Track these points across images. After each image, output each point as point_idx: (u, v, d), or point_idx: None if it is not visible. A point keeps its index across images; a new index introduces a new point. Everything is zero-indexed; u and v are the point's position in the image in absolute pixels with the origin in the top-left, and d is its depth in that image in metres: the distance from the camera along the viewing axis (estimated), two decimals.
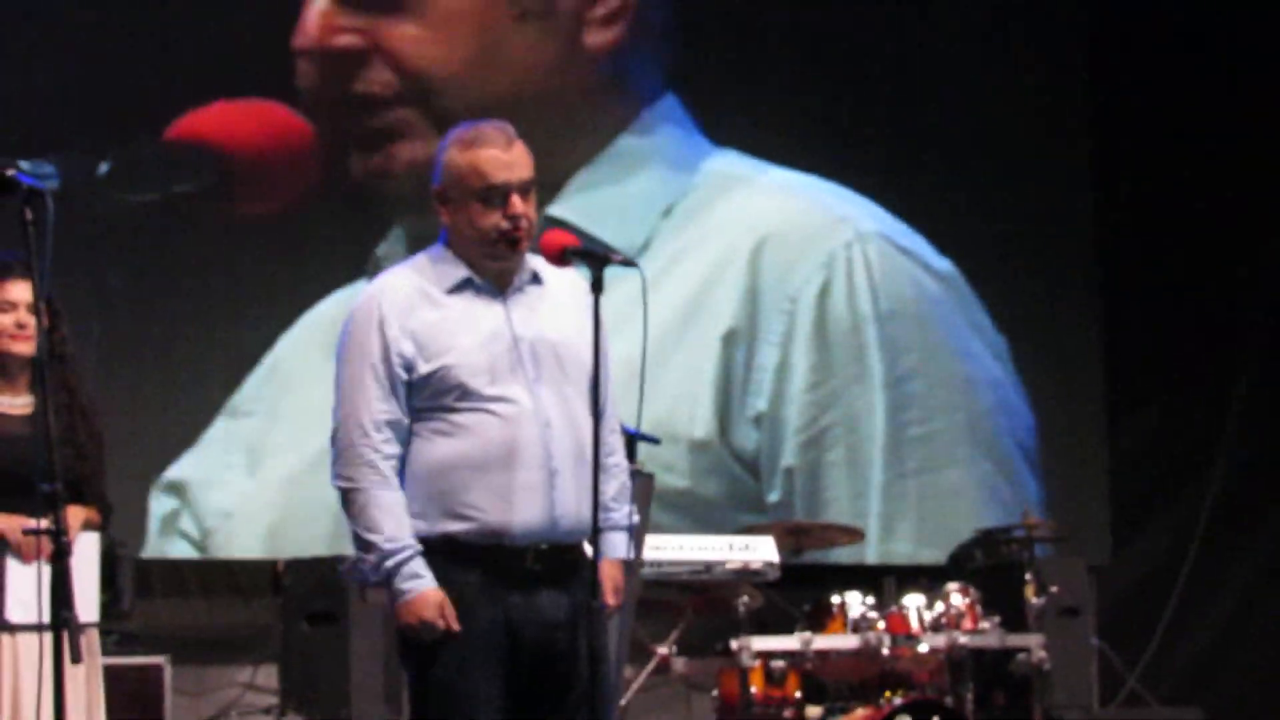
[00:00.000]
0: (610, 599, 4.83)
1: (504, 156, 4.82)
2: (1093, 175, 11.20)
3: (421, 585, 4.71)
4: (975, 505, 10.48)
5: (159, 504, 9.07)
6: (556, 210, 9.43)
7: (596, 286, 4.71)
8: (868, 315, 10.44)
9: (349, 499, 4.78)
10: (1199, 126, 11.01)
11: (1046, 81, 11.17)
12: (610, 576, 4.87)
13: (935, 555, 10.17)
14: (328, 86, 9.59)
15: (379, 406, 4.76)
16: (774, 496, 10.08)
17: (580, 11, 10.12)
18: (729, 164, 10.40)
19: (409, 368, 4.77)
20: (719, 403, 10.08)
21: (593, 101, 10.14)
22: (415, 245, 8.58)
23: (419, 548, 4.73)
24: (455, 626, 4.70)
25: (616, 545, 4.93)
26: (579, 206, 9.69)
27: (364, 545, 4.76)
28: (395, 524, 4.73)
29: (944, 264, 10.69)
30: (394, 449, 4.76)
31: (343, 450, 4.79)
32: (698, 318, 10.07)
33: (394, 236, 9.48)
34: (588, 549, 4.76)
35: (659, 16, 10.32)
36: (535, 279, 4.91)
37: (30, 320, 5.76)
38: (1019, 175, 11.01)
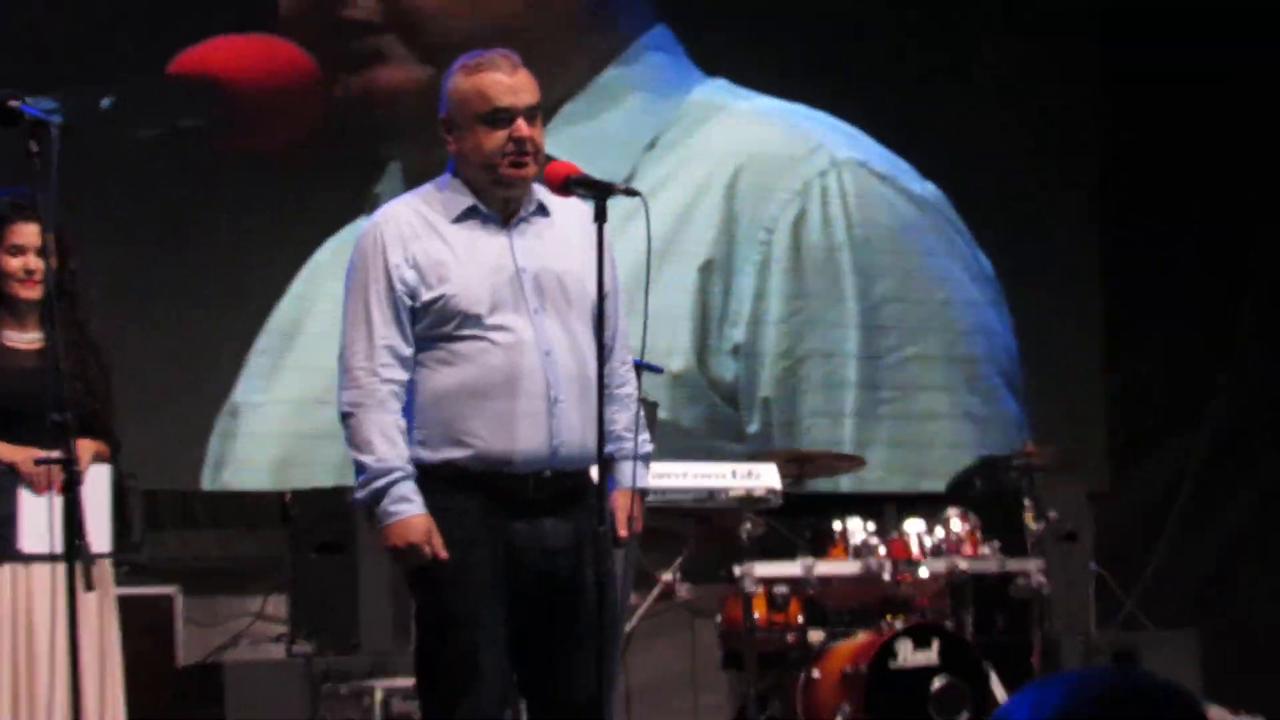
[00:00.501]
0: (622, 530, 4.85)
1: (509, 81, 4.85)
2: (1098, 97, 11.17)
3: (409, 509, 4.72)
4: (950, 428, 10.53)
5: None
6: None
7: (600, 216, 4.72)
8: (842, 243, 10.41)
9: (347, 422, 4.80)
10: (1213, 43, 10.94)
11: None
12: (622, 506, 4.89)
13: (908, 480, 10.30)
14: (313, 10, 9.57)
15: (381, 332, 4.78)
16: (753, 428, 10.10)
17: None
18: (713, 93, 10.33)
19: (412, 295, 4.78)
20: (697, 334, 10.08)
21: (578, 35, 10.09)
22: (413, 182, 8.64)
23: (411, 471, 4.74)
24: (442, 554, 4.71)
25: (628, 474, 4.93)
26: (563, 140, 9.68)
27: (357, 467, 4.78)
28: (388, 446, 4.74)
29: (926, 188, 10.64)
30: (395, 374, 4.78)
31: (344, 375, 4.82)
32: (676, 249, 10.02)
33: (390, 172, 9.47)
34: (594, 475, 4.79)
35: None
36: (541, 210, 4.93)
37: (39, 264, 5.77)
38: (1017, 99, 10.96)
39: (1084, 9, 11.27)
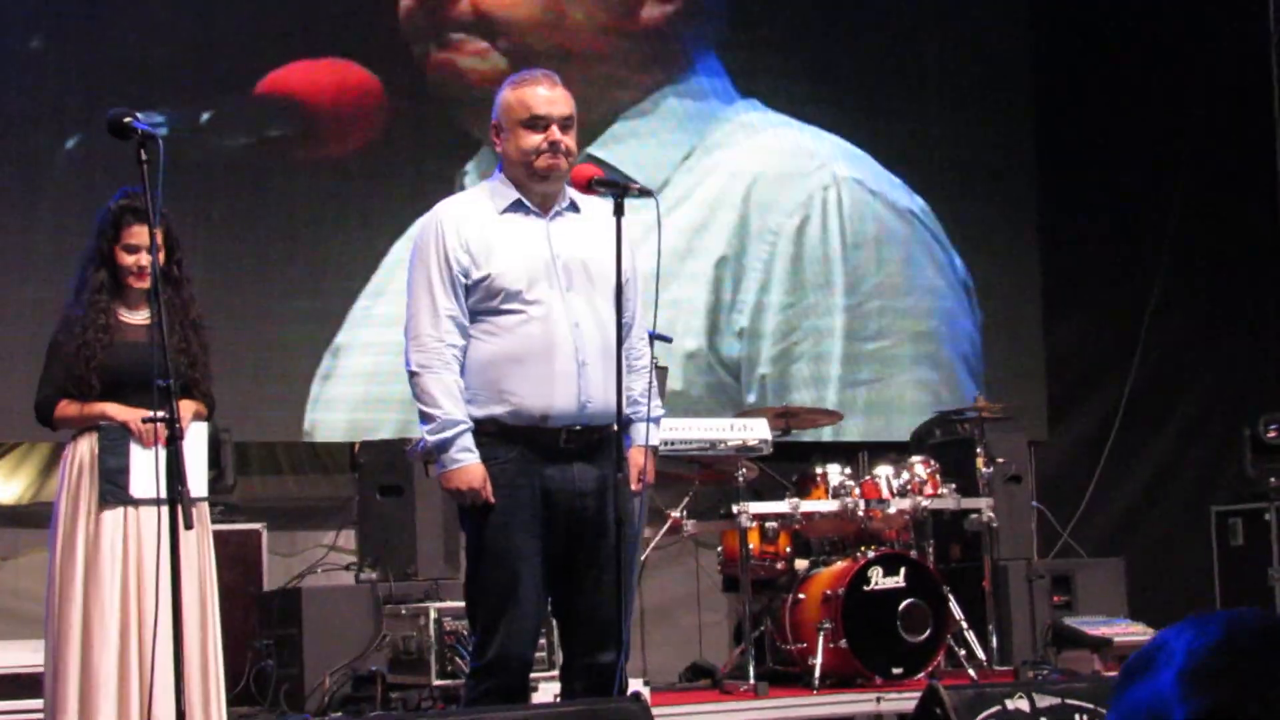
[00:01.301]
0: (634, 484, 4.84)
1: (547, 94, 4.86)
2: (1034, 125, 11.16)
3: (469, 459, 4.72)
4: (916, 406, 10.49)
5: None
6: (594, 150, 9.50)
7: (618, 210, 4.72)
8: (836, 247, 10.48)
9: (416, 381, 4.80)
10: (1129, 73, 11.03)
11: (994, 44, 11.11)
12: (635, 462, 4.88)
13: (878, 432, 10.29)
14: (422, 13, 9.59)
15: (443, 304, 4.78)
16: (751, 399, 10.08)
17: None
18: (742, 114, 10.37)
19: (465, 273, 4.78)
20: (709, 318, 10.10)
21: (638, 63, 10.11)
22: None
23: (470, 425, 4.74)
24: (492, 499, 4.71)
25: (642, 434, 4.94)
26: (616, 150, 9.73)
27: (425, 418, 4.77)
28: (452, 402, 4.74)
29: (915, 202, 10.71)
30: (456, 339, 4.78)
31: (412, 340, 4.81)
32: (697, 246, 10.08)
33: (483, 154, 9.47)
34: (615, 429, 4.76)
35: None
36: (574, 207, 4.93)
37: (149, 260, 5.75)
38: (973, 125, 11.00)
39: (1021, 54, 11.25)
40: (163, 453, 4.58)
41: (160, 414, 4.58)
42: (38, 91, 8.77)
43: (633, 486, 4.82)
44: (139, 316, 5.88)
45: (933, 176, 10.84)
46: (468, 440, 4.73)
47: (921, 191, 10.77)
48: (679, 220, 9.88)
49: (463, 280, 4.79)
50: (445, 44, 9.63)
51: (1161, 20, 11.00)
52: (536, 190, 4.87)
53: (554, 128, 4.82)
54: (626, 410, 4.78)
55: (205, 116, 9.08)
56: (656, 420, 5.03)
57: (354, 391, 9.25)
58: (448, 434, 4.73)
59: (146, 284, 5.78)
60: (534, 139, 4.82)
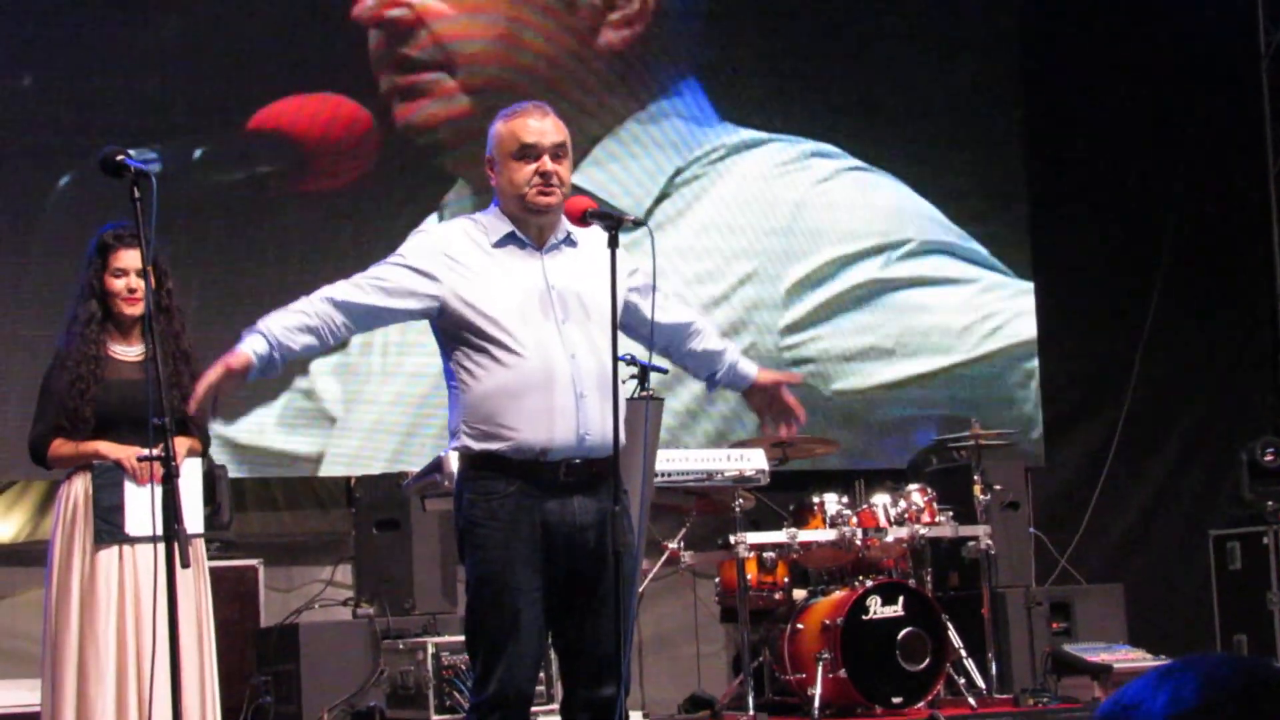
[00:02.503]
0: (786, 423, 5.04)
1: (537, 124, 4.80)
2: (1026, 152, 11.15)
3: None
4: (911, 427, 10.45)
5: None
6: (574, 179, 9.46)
7: (613, 243, 4.68)
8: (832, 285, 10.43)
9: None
10: (1122, 108, 11.11)
11: (983, 69, 11.09)
12: (770, 386, 5.03)
13: (875, 460, 10.24)
14: (383, 50, 9.54)
15: (363, 281, 4.75)
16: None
17: (599, 12, 10.05)
18: (724, 137, 10.29)
19: (432, 295, 4.71)
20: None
21: (604, 88, 10.06)
22: (477, 191, 8.69)
23: (271, 339, 4.72)
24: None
25: (750, 365, 5.06)
26: (596, 174, 9.69)
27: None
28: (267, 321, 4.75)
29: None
30: (335, 293, 4.75)
31: None
32: (683, 269, 9.98)
33: (459, 186, 9.46)
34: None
35: (682, 13, 10.31)
36: (569, 240, 4.88)
37: (140, 284, 5.74)
38: (967, 156, 10.95)
39: (1013, 83, 11.23)
40: (158, 491, 4.55)
41: (155, 451, 4.56)
42: (29, 129, 8.78)
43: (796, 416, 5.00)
44: (132, 352, 5.86)
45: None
46: (254, 340, 4.69)
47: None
48: (663, 244, 9.84)
49: (416, 290, 4.71)
50: (409, 82, 9.57)
51: (1156, 56, 11.05)
52: (532, 223, 4.83)
53: (545, 157, 4.78)
54: (714, 360, 4.99)
55: (198, 153, 9.08)
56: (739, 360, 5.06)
57: (351, 424, 9.22)
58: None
59: (138, 309, 5.77)
60: (525, 171, 4.78)
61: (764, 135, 10.35)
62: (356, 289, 4.76)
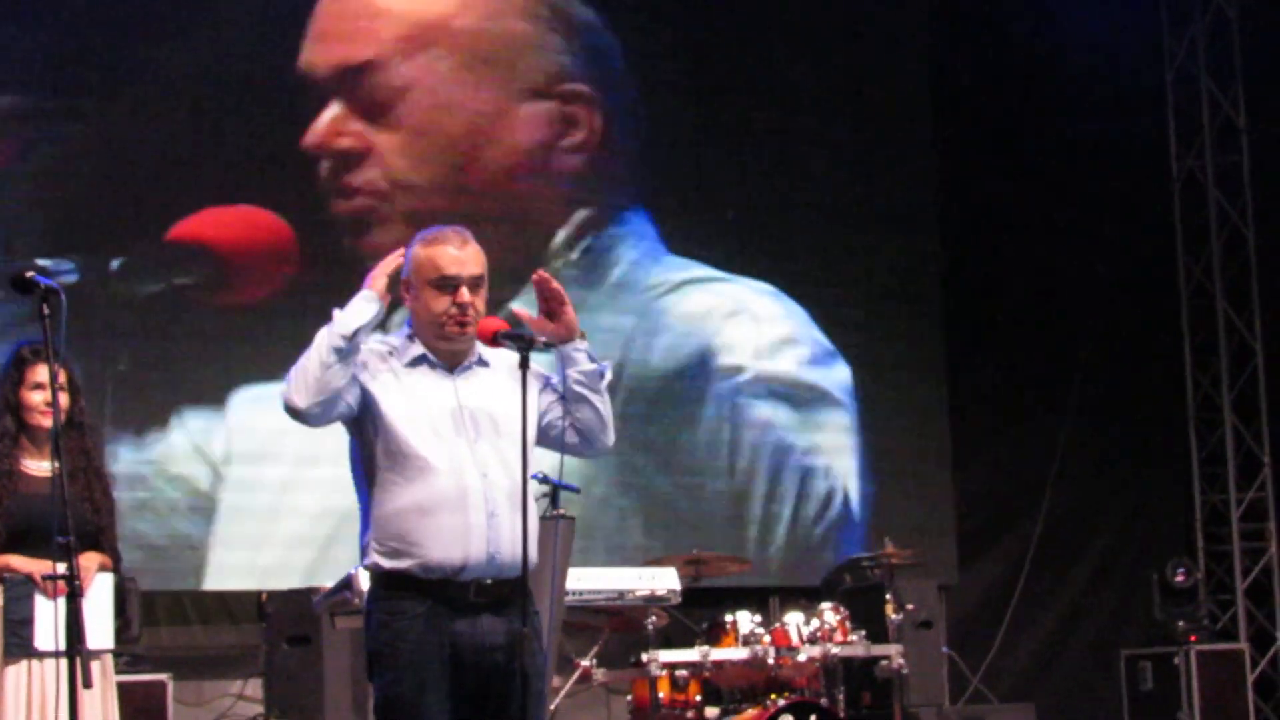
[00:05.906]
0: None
1: (457, 254, 4.81)
2: (942, 268, 11.28)
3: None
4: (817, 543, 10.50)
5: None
6: (517, 304, 9.45)
7: (523, 364, 4.71)
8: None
9: (291, 375, 4.72)
10: (1036, 235, 11.27)
11: (901, 179, 11.26)
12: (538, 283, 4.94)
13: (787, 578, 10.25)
14: (330, 178, 9.60)
15: None
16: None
17: (549, 141, 10.14)
18: (668, 271, 10.41)
19: (362, 384, 4.73)
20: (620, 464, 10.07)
21: (555, 213, 10.14)
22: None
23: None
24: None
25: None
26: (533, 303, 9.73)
27: (310, 354, 4.70)
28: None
29: (826, 375, 10.74)
30: None
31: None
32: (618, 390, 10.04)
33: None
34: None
35: (631, 143, 10.41)
36: (482, 362, 4.90)
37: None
38: (879, 273, 11.09)
39: (927, 188, 11.38)
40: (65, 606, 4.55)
41: (61, 569, 4.55)
42: None
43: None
44: (45, 467, 5.83)
45: (848, 337, 10.86)
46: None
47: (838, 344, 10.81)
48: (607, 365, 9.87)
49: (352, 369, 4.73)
50: (355, 208, 9.62)
51: (1071, 183, 11.20)
52: (444, 349, 4.86)
53: (463, 289, 4.79)
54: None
55: (116, 263, 9.07)
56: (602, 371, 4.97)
57: (261, 536, 9.19)
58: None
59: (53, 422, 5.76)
60: (442, 302, 4.79)
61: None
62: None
